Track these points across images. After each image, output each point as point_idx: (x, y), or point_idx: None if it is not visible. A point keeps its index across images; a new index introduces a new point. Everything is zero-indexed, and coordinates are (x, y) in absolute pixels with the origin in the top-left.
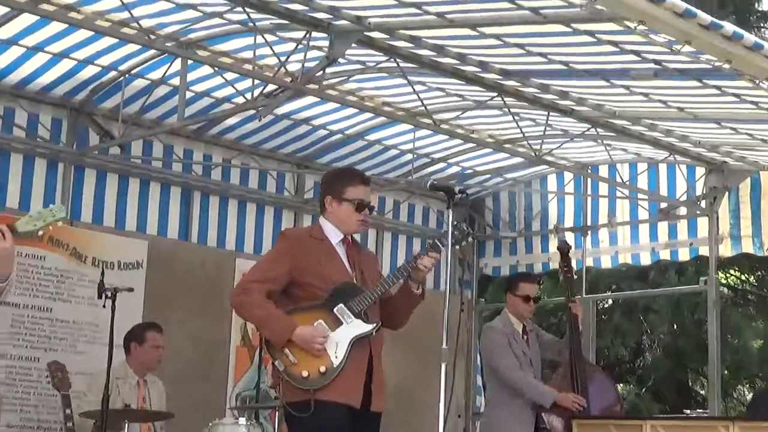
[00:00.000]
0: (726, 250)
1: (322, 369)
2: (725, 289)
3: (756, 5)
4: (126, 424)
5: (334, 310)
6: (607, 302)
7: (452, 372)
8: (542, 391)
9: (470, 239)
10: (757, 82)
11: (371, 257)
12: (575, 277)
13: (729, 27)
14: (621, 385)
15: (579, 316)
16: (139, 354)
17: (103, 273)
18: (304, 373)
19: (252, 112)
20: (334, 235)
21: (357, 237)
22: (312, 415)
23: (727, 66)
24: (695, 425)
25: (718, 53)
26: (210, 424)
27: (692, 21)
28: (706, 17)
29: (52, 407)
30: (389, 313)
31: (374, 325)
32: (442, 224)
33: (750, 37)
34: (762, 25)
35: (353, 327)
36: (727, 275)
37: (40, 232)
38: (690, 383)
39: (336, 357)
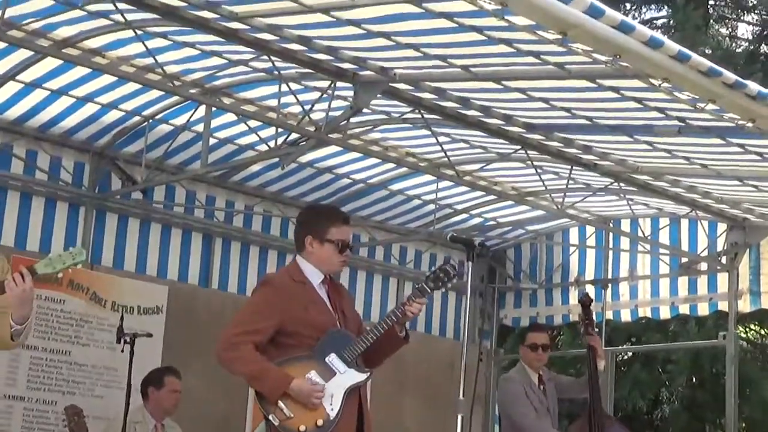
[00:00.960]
0: (745, 305)
1: (320, 422)
2: (744, 343)
3: None
4: None
5: (326, 359)
6: (626, 354)
7: (469, 421)
8: None
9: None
10: None
11: (348, 297)
12: (597, 330)
13: (753, 87)
14: None
15: (597, 350)
16: (157, 398)
17: (122, 318)
18: (302, 428)
19: (275, 159)
20: (315, 277)
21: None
22: None
23: (750, 125)
24: None
25: (741, 112)
26: None
27: (717, 80)
28: (731, 76)
29: None
30: (371, 354)
31: (368, 374)
32: (463, 275)
33: None
34: None
35: (347, 377)
36: (747, 329)
37: (60, 275)
38: None
39: (332, 409)
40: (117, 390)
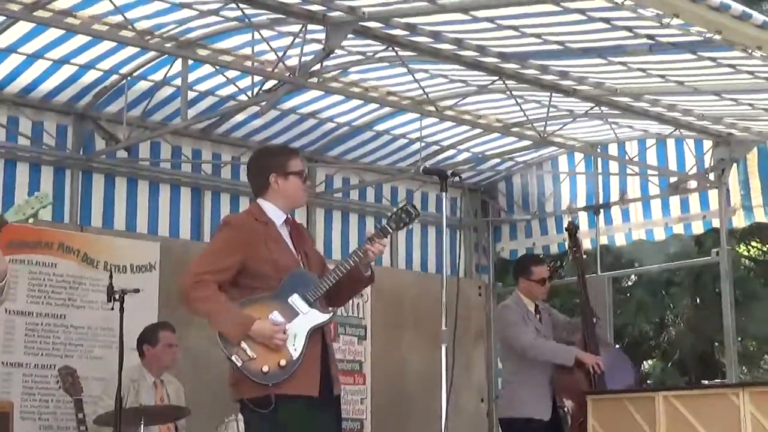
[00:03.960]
0: (739, 221)
1: (282, 363)
2: (747, 261)
3: None
4: (142, 424)
5: (289, 300)
6: (629, 280)
7: (452, 348)
8: (562, 349)
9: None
10: (750, 51)
11: (308, 237)
12: (585, 256)
13: None
14: (649, 361)
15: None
16: (153, 354)
17: (111, 276)
18: (264, 368)
19: (258, 108)
20: (277, 217)
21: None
22: (273, 410)
23: (717, 37)
24: (707, 394)
25: (707, 24)
26: (226, 420)
27: None
28: None
29: (70, 413)
30: (334, 293)
31: (331, 314)
32: (456, 210)
33: (737, 6)
34: None
35: (310, 317)
36: (749, 247)
37: (30, 220)
38: (715, 354)
39: (295, 349)
40: (115, 350)
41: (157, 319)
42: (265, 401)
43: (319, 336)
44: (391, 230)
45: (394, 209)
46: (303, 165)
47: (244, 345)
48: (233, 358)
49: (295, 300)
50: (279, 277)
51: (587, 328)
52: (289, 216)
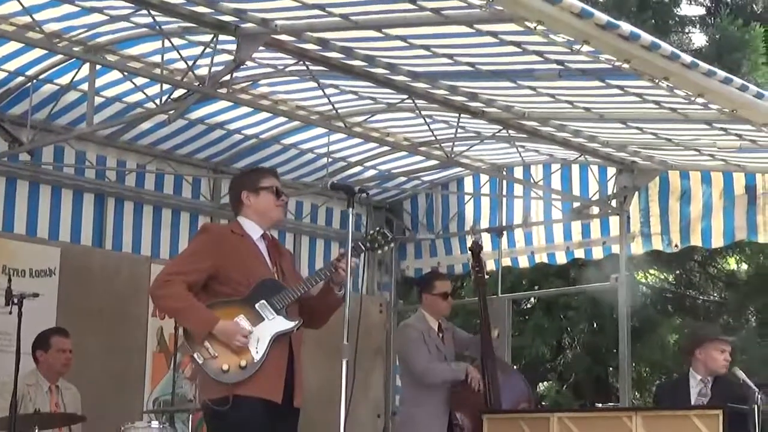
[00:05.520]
0: (638, 248)
1: (243, 363)
2: (644, 288)
3: (675, 10)
4: (36, 429)
5: (256, 305)
6: (528, 303)
7: (353, 364)
8: (453, 367)
9: (391, 245)
10: (657, 81)
11: (288, 255)
12: (488, 276)
13: (626, 27)
14: (544, 383)
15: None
16: (45, 360)
17: (10, 280)
18: (224, 367)
19: (165, 117)
20: (254, 232)
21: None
22: (232, 410)
23: (626, 66)
24: (601, 416)
25: (616, 53)
26: (122, 427)
27: (589, 21)
28: (603, 17)
29: None
30: (309, 313)
31: (296, 322)
32: (361, 227)
33: (647, 37)
34: (680, 30)
35: (275, 323)
36: (647, 274)
37: None
38: (609, 379)
39: (257, 352)
40: (10, 354)
41: (56, 325)
42: (223, 401)
43: (286, 344)
44: (363, 249)
45: (371, 231)
46: (275, 182)
47: (207, 344)
48: (195, 355)
49: (262, 306)
50: (249, 285)
51: (484, 349)
52: (267, 233)
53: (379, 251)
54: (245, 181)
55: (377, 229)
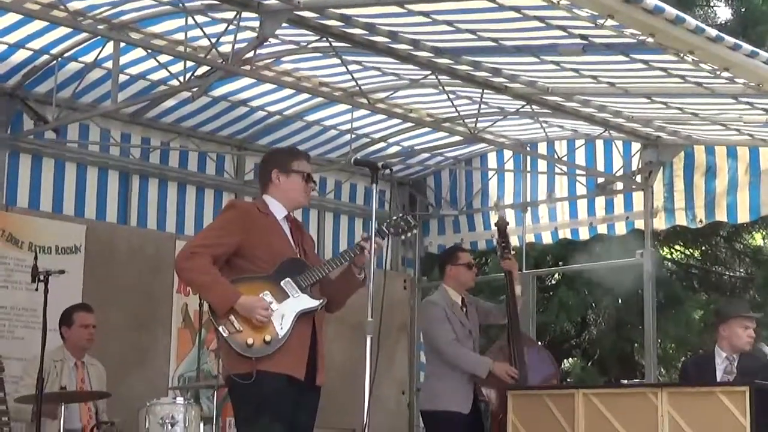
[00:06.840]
0: (660, 223)
1: (267, 338)
2: (670, 264)
3: None
4: (62, 406)
5: (281, 283)
6: (552, 278)
7: (377, 340)
8: (477, 360)
9: (414, 231)
10: (682, 55)
11: (310, 238)
12: (513, 252)
13: (650, 0)
14: (569, 360)
15: (514, 273)
16: (70, 336)
17: (36, 257)
18: (249, 341)
19: (189, 94)
20: (279, 211)
21: (299, 217)
22: (255, 385)
23: (651, 40)
24: (626, 392)
25: (641, 27)
26: (147, 403)
27: None
28: None
29: None
30: (329, 295)
31: (320, 301)
32: (384, 203)
33: (671, 11)
34: (705, 4)
35: (300, 301)
36: (672, 250)
37: None
38: (634, 355)
39: (281, 328)
40: (37, 330)
41: (81, 302)
42: (248, 376)
43: (309, 323)
44: (387, 233)
45: (394, 217)
46: (307, 168)
47: (231, 317)
48: (220, 329)
49: (288, 284)
50: (273, 263)
51: (511, 322)
52: (291, 214)
53: (402, 237)
54: (278, 159)
55: (401, 215)
